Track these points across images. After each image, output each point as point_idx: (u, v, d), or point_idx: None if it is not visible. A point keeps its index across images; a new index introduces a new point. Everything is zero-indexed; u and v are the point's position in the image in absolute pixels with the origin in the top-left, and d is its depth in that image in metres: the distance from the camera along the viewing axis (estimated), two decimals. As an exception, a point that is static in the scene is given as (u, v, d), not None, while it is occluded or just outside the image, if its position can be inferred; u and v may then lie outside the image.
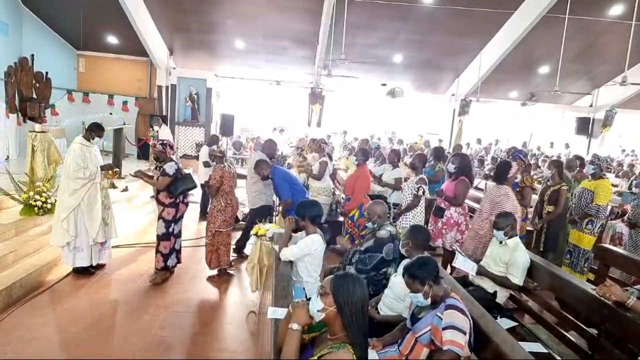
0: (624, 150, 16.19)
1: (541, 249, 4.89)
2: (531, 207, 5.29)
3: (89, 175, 4.48)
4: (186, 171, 4.99)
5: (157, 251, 4.64)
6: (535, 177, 8.89)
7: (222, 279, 4.89)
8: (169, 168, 4.54)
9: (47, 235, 5.05)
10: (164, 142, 4.72)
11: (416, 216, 4.91)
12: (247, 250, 5.43)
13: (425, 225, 4.92)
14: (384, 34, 11.70)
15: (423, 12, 10.58)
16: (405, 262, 3.05)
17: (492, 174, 5.82)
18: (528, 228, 5.14)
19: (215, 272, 4.95)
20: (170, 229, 4.63)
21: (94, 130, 4.68)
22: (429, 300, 2.27)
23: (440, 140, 14.95)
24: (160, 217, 4.61)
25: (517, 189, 4.88)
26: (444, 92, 15.35)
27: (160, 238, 4.61)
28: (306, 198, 5.03)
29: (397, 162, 6.11)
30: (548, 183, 5.12)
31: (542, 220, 4.91)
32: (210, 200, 4.94)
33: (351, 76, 11.98)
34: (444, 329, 2.14)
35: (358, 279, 1.83)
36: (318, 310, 1.75)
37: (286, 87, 14.68)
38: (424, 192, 4.88)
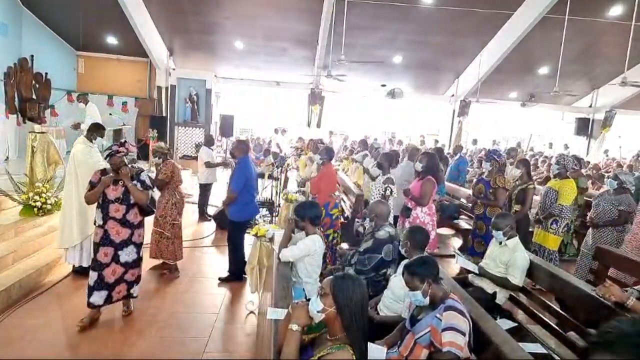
0: (606, 151, 15.91)
1: None
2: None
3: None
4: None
5: (122, 280, 3.74)
6: (535, 177, 8.91)
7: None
8: (147, 178, 3.81)
9: (46, 236, 5.06)
10: (124, 142, 3.78)
11: None
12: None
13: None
14: (384, 34, 11.71)
15: (423, 13, 10.59)
16: (405, 262, 3.06)
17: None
18: None
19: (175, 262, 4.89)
20: (141, 254, 3.88)
21: (95, 131, 4.68)
22: (428, 299, 2.27)
23: (436, 140, 14.98)
24: (130, 242, 3.72)
25: (490, 190, 4.85)
26: (443, 92, 15.37)
27: (131, 265, 3.76)
28: (253, 201, 4.97)
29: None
30: (517, 182, 5.13)
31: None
32: (161, 194, 4.77)
33: (350, 77, 11.98)
34: (443, 330, 2.13)
35: (358, 279, 1.83)
36: (318, 311, 1.75)
37: (286, 88, 14.69)
38: (391, 192, 4.84)
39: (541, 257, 4.55)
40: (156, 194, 3.99)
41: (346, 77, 11.19)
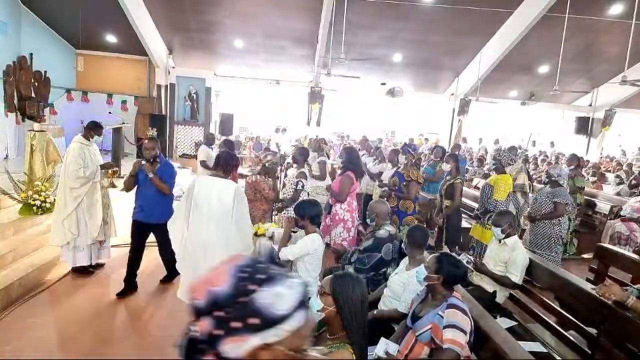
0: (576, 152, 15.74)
1: (444, 243, 4.99)
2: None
3: (88, 174, 4.43)
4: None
5: None
6: (534, 177, 8.92)
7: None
8: None
9: (46, 235, 5.05)
10: None
11: None
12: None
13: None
14: (384, 33, 11.69)
15: (423, 11, 10.57)
16: (405, 259, 3.06)
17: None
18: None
19: None
20: None
21: (93, 129, 4.64)
22: (425, 282, 2.32)
23: (426, 139, 14.95)
24: None
25: (404, 183, 4.86)
26: (443, 91, 15.35)
27: None
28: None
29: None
30: (447, 177, 5.16)
31: (442, 214, 4.99)
32: None
33: (351, 76, 11.97)
34: (444, 327, 2.14)
35: (357, 278, 1.83)
36: (317, 310, 1.74)
37: (285, 87, 14.67)
38: (302, 186, 4.79)
39: (479, 252, 4.53)
40: None
41: (346, 75, 11.18)
